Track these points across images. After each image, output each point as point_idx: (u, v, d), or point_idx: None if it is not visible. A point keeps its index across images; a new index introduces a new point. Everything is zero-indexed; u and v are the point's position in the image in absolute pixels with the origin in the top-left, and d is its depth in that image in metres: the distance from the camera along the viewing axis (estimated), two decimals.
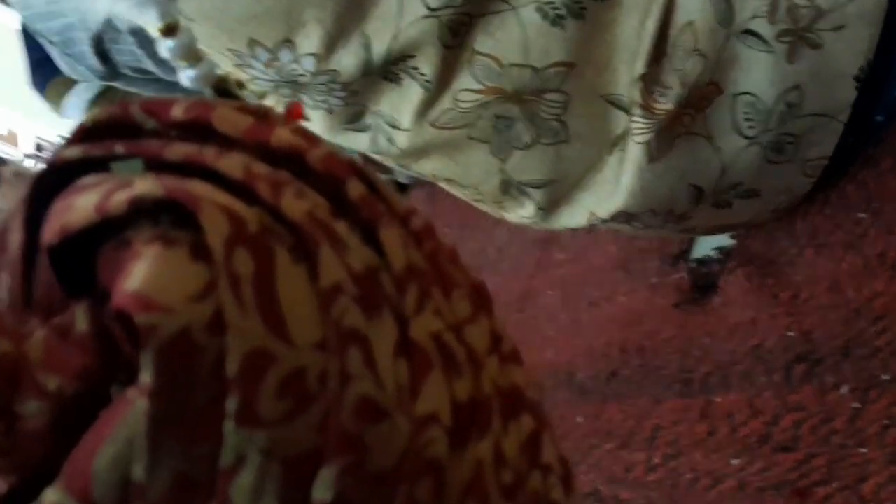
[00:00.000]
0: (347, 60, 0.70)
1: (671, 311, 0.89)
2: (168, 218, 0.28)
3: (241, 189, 0.29)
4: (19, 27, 1.79)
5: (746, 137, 0.70)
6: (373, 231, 0.31)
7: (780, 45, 0.66)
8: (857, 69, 0.67)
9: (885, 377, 0.65)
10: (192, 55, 0.42)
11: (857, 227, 0.72)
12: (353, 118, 0.75)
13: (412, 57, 0.69)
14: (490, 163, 0.75)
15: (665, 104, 0.69)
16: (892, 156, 0.71)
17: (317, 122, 0.77)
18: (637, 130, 0.70)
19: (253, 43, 0.70)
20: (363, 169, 0.32)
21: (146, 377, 0.25)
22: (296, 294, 0.27)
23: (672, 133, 0.70)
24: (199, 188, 0.28)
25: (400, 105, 0.73)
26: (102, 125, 0.32)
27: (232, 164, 0.29)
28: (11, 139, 4.65)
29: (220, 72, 0.43)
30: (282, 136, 0.31)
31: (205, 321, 0.25)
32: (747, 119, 0.70)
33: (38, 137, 4.69)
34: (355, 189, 0.31)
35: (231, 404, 0.25)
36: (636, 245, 0.97)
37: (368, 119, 0.75)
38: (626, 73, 0.70)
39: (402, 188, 1.54)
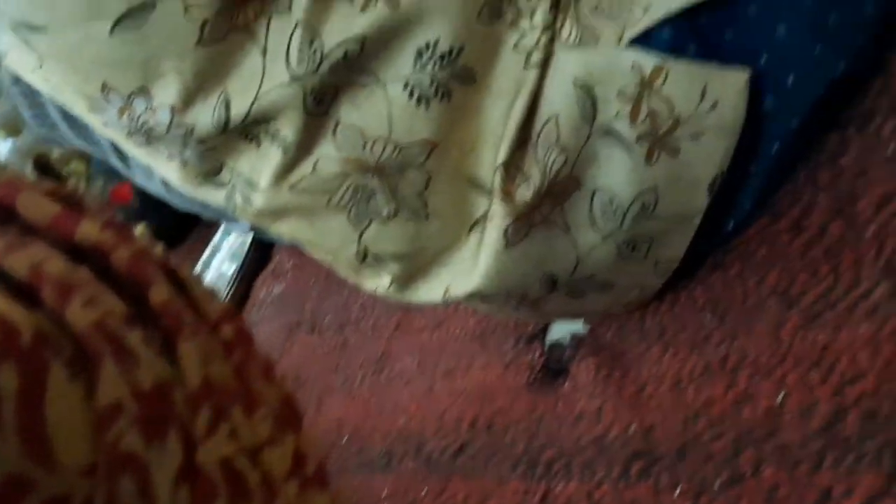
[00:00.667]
0: (205, 117, 0.68)
1: (523, 390, 0.89)
2: None
3: (25, 290, 0.27)
4: None
5: (602, 233, 0.72)
6: (172, 342, 0.30)
7: (640, 148, 0.68)
8: (711, 178, 0.69)
9: (717, 483, 0.67)
10: (11, 126, 0.40)
11: (703, 330, 0.74)
12: (210, 173, 0.74)
13: (273, 120, 0.68)
14: (348, 231, 0.74)
15: (525, 192, 0.70)
16: (740, 262, 0.73)
17: (171, 173, 0.75)
18: (496, 215, 0.71)
19: (106, 88, 0.68)
20: (176, 271, 0.31)
21: None
22: (66, 414, 0.26)
23: (530, 221, 0.71)
24: None
25: (258, 165, 0.71)
26: None
27: (19, 261, 0.28)
28: None
29: (39, 147, 0.42)
30: (88, 230, 0.30)
31: None
32: (604, 215, 0.71)
33: None
34: (159, 294, 0.30)
35: None
36: (494, 320, 0.98)
37: (225, 175, 0.73)
38: (490, 157, 0.70)
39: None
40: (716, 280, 0.75)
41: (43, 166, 0.42)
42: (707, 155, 0.68)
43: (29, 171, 0.48)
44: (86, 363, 0.27)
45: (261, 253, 1.52)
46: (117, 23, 0.64)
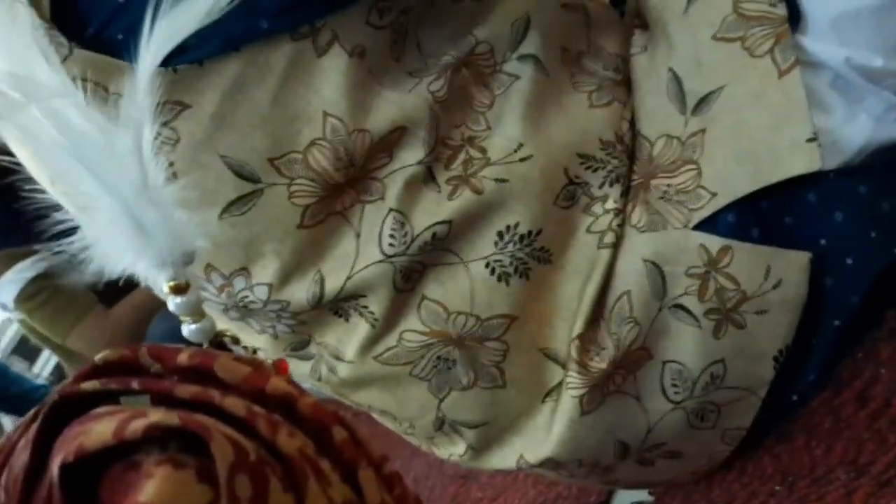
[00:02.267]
0: (300, 294, 0.75)
1: None
2: (175, 445, 0.32)
3: (241, 425, 0.33)
4: None
5: (672, 402, 0.77)
6: (352, 472, 0.35)
7: (708, 322, 0.74)
8: (777, 351, 0.75)
9: None
10: (196, 312, 0.47)
11: (772, 499, 0.77)
12: (298, 346, 0.80)
13: (363, 296, 0.75)
14: (427, 400, 0.79)
15: (599, 363, 0.75)
16: (805, 433, 0.78)
17: (262, 345, 0.82)
18: (572, 384, 0.76)
19: (210, 268, 0.75)
20: (346, 419, 0.37)
21: None
22: None
23: (604, 390, 0.76)
24: (208, 420, 0.33)
25: (345, 339, 0.78)
26: (112, 365, 0.37)
27: (235, 403, 0.34)
28: None
29: (216, 329, 0.49)
30: (276, 384, 0.36)
31: None
32: (674, 385, 0.76)
33: None
34: (339, 434, 0.36)
35: None
36: (555, 491, 1.01)
37: (312, 349, 0.80)
38: (565, 330, 0.77)
39: None
40: (783, 450, 0.79)
41: (219, 344, 0.49)
42: (772, 329, 0.74)
43: (207, 347, 0.54)
44: (293, 480, 0.32)
45: None
46: (226, 208, 0.71)
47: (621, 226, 0.76)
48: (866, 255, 0.74)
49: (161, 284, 0.48)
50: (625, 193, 0.77)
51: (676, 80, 0.77)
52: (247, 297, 0.76)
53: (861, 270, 0.74)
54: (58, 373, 2.97)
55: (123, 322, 1.89)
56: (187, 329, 0.48)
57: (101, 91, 0.66)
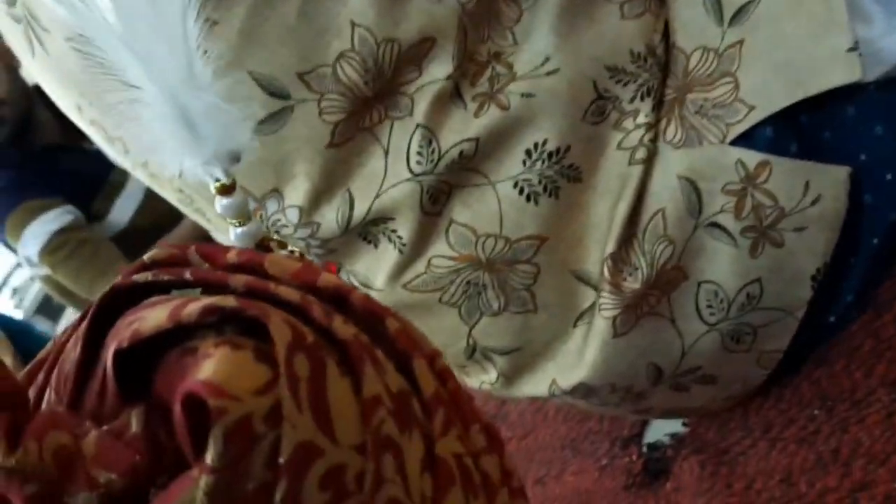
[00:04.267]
0: (330, 215, 0.76)
1: (622, 494, 0.93)
2: (232, 329, 0.32)
3: (297, 311, 0.34)
4: None
5: (707, 323, 0.77)
6: (406, 362, 0.36)
7: (745, 240, 0.74)
8: (815, 269, 0.75)
9: None
10: (243, 215, 0.48)
11: (811, 424, 0.78)
12: None
13: (391, 219, 0.75)
14: (458, 327, 0.80)
15: (633, 283, 0.76)
16: (845, 357, 0.78)
17: None
18: (605, 306, 0.76)
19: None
20: (398, 314, 0.38)
21: (210, 456, 0.29)
22: (343, 400, 0.32)
23: (637, 311, 0.77)
24: (264, 304, 0.33)
25: (374, 266, 0.79)
26: (160, 262, 0.37)
27: (289, 291, 0.34)
28: None
29: (263, 232, 0.49)
30: (328, 279, 0.37)
31: (264, 412, 0.30)
32: (709, 306, 0.76)
33: None
34: (392, 325, 0.36)
35: (279, 493, 0.29)
36: (586, 426, 1.02)
37: (342, 276, 0.80)
38: (597, 251, 0.77)
39: None
40: (821, 375, 0.79)
41: (265, 248, 0.49)
42: (810, 247, 0.74)
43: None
44: (350, 365, 0.33)
45: None
46: (257, 127, 0.72)
47: (653, 140, 0.76)
48: None
49: (209, 183, 0.48)
50: (657, 107, 0.76)
51: None
52: (279, 220, 0.77)
53: None
54: None
55: None
56: (234, 232, 0.49)
57: None
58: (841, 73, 0.71)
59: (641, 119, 0.76)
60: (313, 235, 0.77)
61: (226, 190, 0.48)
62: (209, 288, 0.36)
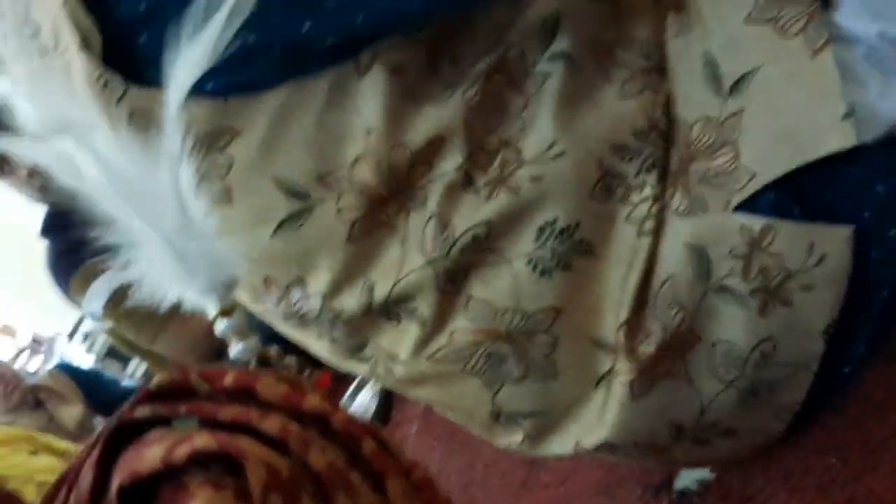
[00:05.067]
0: (351, 302, 0.80)
1: None
2: (218, 466, 0.37)
3: (277, 443, 0.38)
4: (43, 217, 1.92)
5: (724, 381, 0.79)
6: (381, 481, 0.39)
7: (754, 301, 0.76)
8: (825, 325, 0.77)
9: None
10: (242, 333, 0.52)
11: (828, 473, 0.80)
12: (355, 350, 0.85)
13: (412, 299, 0.80)
14: (482, 394, 0.84)
15: (647, 348, 0.78)
16: (859, 405, 0.80)
17: (322, 350, 0.87)
18: (621, 370, 0.79)
19: (268, 280, 0.81)
20: (377, 431, 0.41)
21: None
22: None
23: (654, 374, 0.79)
24: (245, 443, 0.37)
25: (398, 341, 0.83)
26: (164, 389, 0.41)
27: (271, 424, 0.38)
28: (8, 332, 4.82)
29: (261, 348, 0.54)
30: (312, 401, 0.41)
31: None
32: (724, 365, 0.79)
33: (35, 332, 4.89)
34: (368, 446, 0.40)
35: None
36: (620, 472, 1.05)
37: (368, 352, 0.85)
38: (612, 318, 0.80)
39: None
40: (837, 423, 0.81)
41: (264, 361, 0.53)
42: (819, 304, 0.76)
43: (254, 363, 0.59)
44: (324, 494, 0.37)
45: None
46: (279, 226, 0.77)
47: (661, 211, 0.79)
48: None
49: (208, 310, 0.53)
50: (662, 178, 0.79)
51: (712, 62, 0.79)
52: (303, 306, 0.82)
53: None
54: (149, 373, 3.10)
55: (204, 325, 1.96)
56: (235, 349, 0.53)
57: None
58: (837, 139, 0.73)
59: (647, 192, 0.79)
60: (336, 318, 0.82)
61: (225, 313, 0.53)
62: (203, 419, 0.41)
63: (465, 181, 0.77)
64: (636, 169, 0.79)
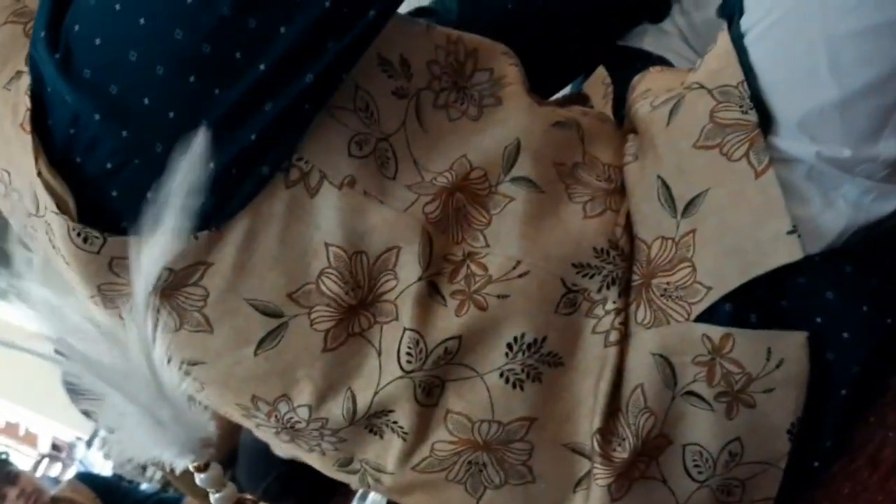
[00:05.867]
0: (336, 411, 0.84)
1: None
2: None
3: None
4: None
5: (697, 481, 0.83)
6: None
7: (719, 405, 0.81)
8: (789, 424, 0.81)
9: None
10: (219, 483, 0.57)
11: None
12: (344, 463, 0.90)
13: (391, 412, 0.84)
14: (466, 499, 0.87)
15: (622, 453, 0.82)
16: (828, 499, 0.83)
17: (314, 461, 0.91)
18: (598, 475, 0.83)
19: (255, 398, 0.85)
20: None
21: None
22: None
23: (629, 477, 0.83)
24: None
25: (383, 454, 0.87)
26: None
27: None
28: (30, 440, 4.87)
29: (237, 496, 0.59)
30: None
31: None
32: (696, 465, 0.83)
33: (55, 438, 4.94)
34: None
35: None
36: None
37: (356, 465, 0.90)
38: (585, 424, 0.84)
39: None
40: None
41: None
42: (781, 405, 0.81)
43: None
44: None
45: None
46: (259, 345, 0.81)
47: (623, 323, 0.83)
48: (861, 329, 0.80)
49: (186, 467, 0.58)
50: (623, 293, 0.84)
51: (665, 186, 0.84)
52: (292, 418, 0.86)
53: (858, 343, 0.80)
54: (166, 478, 3.12)
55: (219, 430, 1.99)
56: (213, 498, 0.58)
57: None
58: (784, 253, 0.78)
59: (610, 305, 0.83)
60: (323, 427, 0.86)
61: (200, 469, 0.57)
62: None
63: (432, 291, 0.81)
64: (598, 285, 0.84)
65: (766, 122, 0.80)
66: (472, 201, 0.84)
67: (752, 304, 0.81)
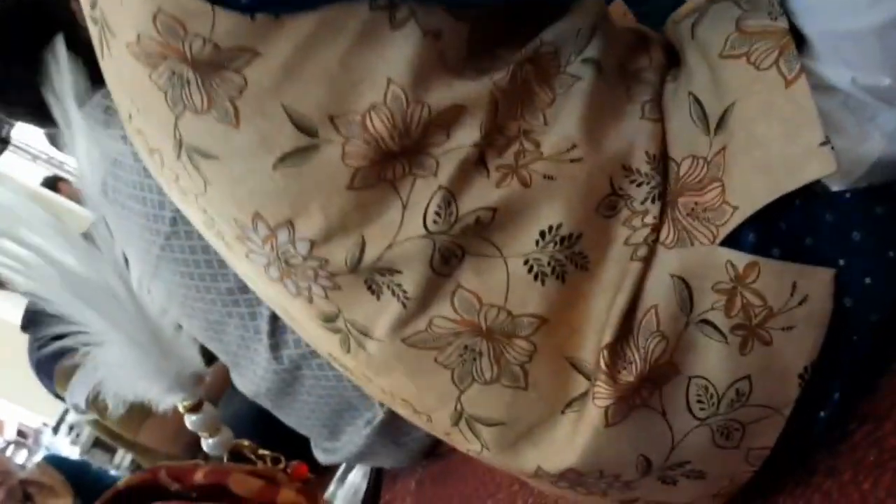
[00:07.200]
0: (339, 254, 0.79)
1: None
2: None
3: None
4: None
5: (697, 418, 0.80)
6: None
7: (734, 338, 0.78)
8: (802, 368, 0.78)
9: None
10: (213, 427, 0.54)
11: None
12: (328, 318, 0.84)
13: (399, 272, 0.79)
14: (449, 390, 0.83)
15: (627, 376, 0.79)
16: (852, 468, 0.79)
17: (296, 311, 0.87)
18: (599, 395, 0.79)
19: (257, 217, 0.80)
20: None
21: None
22: None
23: (630, 403, 0.79)
24: None
25: (375, 316, 0.82)
26: (134, 489, 0.43)
27: None
28: None
29: (234, 441, 0.56)
30: (286, 496, 0.42)
31: None
32: (699, 401, 0.79)
33: (21, 424, 4.87)
34: None
35: None
36: None
37: (339, 323, 0.84)
38: (593, 340, 0.80)
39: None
40: (831, 486, 0.80)
41: (237, 454, 0.54)
42: (798, 345, 0.78)
43: (226, 458, 0.59)
44: None
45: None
46: (282, 159, 0.77)
47: (655, 241, 0.80)
48: (886, 276, 0.78)
49: (177, 405, 0.55)
50: (662, 211, 0.81)
51: (698, 102, 0.82)
52: (289, 250, 0.81)
53: (879, 289, 0.78)
54: (135, 463, 3.06)
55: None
56: (206, 443, 0.54)
57: (180, 29, 0.73)
58: (816, 167, 0.75)
59: (649, 219, 0.80)
60: (320, 268, 0.81)
61: (192, 409, 0.54)
62: None
63: (479, 160, 0.78)
64: (643, 196, 0.81)
65: (799, 41, 0.77)
66: (540, 77, 0.81)
67: (776, 237, 0.78)
